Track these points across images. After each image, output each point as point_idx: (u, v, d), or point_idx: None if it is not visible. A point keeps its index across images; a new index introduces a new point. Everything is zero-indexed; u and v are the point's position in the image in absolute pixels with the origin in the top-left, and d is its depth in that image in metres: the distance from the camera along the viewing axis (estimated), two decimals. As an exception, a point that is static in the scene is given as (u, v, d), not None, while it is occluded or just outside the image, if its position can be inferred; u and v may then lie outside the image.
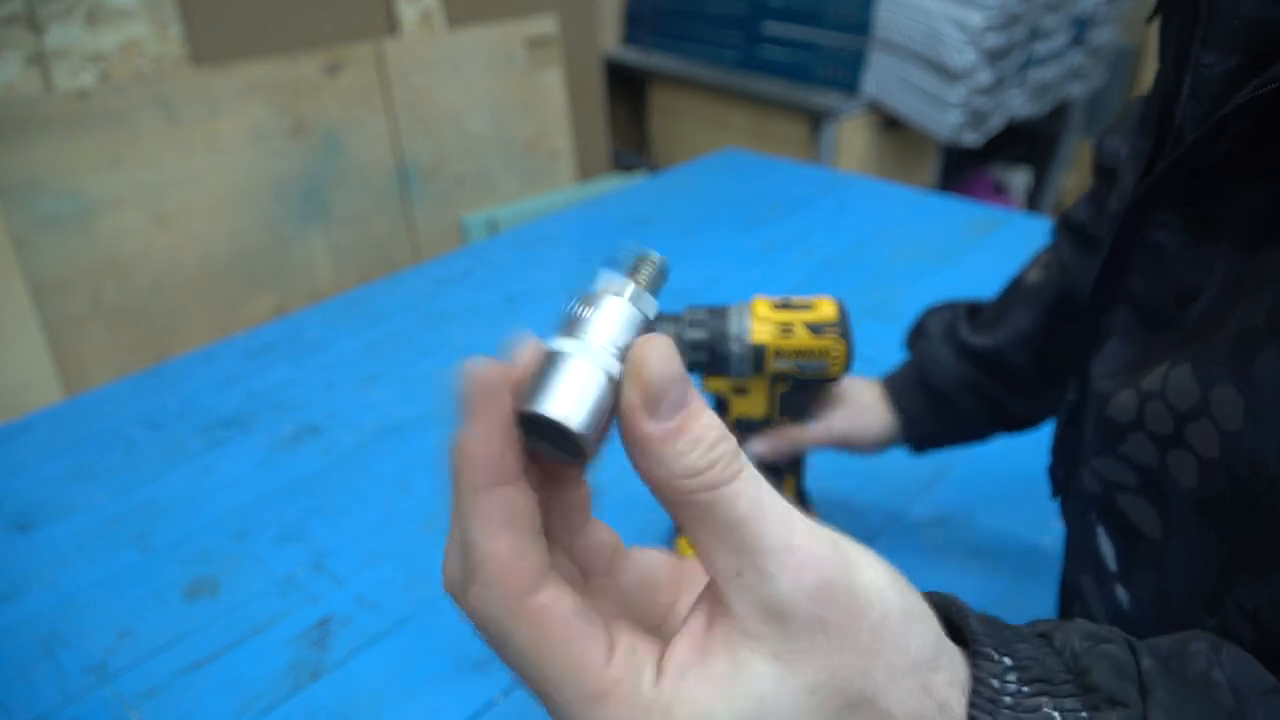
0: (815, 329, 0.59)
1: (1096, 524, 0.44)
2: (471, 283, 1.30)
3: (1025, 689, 0.23)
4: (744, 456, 0.23)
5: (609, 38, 2.87)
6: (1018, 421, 0.72)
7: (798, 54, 2.48)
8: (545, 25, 2.41)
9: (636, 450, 0.23)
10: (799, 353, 0.59)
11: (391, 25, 2.19)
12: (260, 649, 0.70)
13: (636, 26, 2.88)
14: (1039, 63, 2.39)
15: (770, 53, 2.54)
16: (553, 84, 2.47)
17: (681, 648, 0.23)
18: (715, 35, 2.67)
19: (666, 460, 0.22)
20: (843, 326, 0.60)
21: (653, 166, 2.82)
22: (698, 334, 0.59)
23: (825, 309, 0.61)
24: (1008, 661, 0.23)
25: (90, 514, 0.86)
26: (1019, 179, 2.84)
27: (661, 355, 0.22)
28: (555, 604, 0.22)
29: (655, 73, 2.77)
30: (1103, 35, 2.54)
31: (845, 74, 2.39)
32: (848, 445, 0.70)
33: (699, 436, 0.22)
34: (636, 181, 1.80)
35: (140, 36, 1.84)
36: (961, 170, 2.78)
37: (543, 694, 0.22)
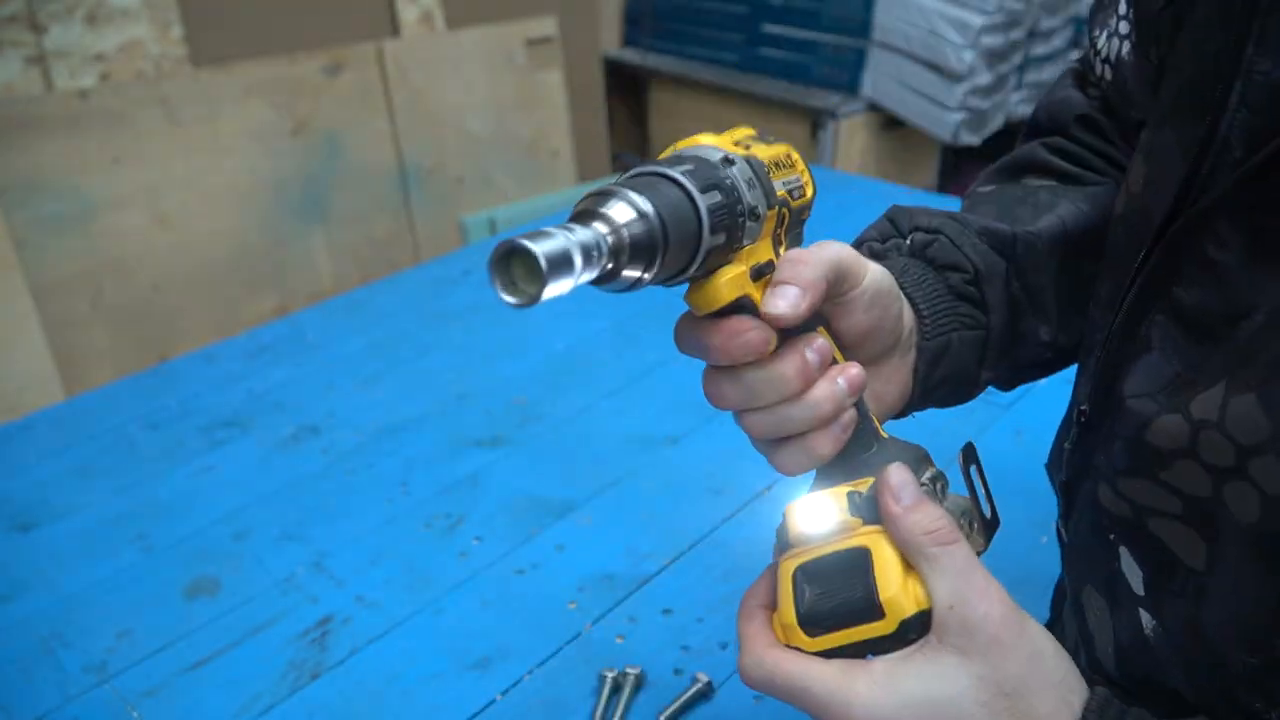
0: (761, 139, 0.45)
1: (1120, 545, 0.42)
2: (471, 283, 1.30)
3: None
4: (961, 535, 0.38)
5: (609, 38, 2.87)
6: (1034, 348, 0.55)
7: (798, 54, 2.48)
8: (545, 26, 2.41)
9: (889, 522, 0.39)
10: (776, 164, 0.44)
11: (392, 26, 2.19)
12: (260, 649, 0.71)
13: (636, 27, 2.88)
14: (1038, 63, 2.39)
15: (770, 53, 2.55)
16: (553, 84, 2.47)
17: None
18: (715, 36, 2.67)
19: (909, 525, 0.38)
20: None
21: (653, 167, 2.82)
22: (712, 199, 0.37)
23: (732, 134, 0.45)
24: None
25: (90, 514, 0.86)
26: (1019, 179, 2.84)
27: (898, 473, 0.39)
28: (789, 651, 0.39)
29: (655, 73, 2.78)
30: (1102, 36, 2.54)
31: (845, 74, 2.39)
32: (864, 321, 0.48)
33: (928, 511, 0.38)
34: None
35: (141, 37, 1.84)
36: (961, 170, 2.78)
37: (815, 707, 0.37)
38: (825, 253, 0.40)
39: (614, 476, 0.88)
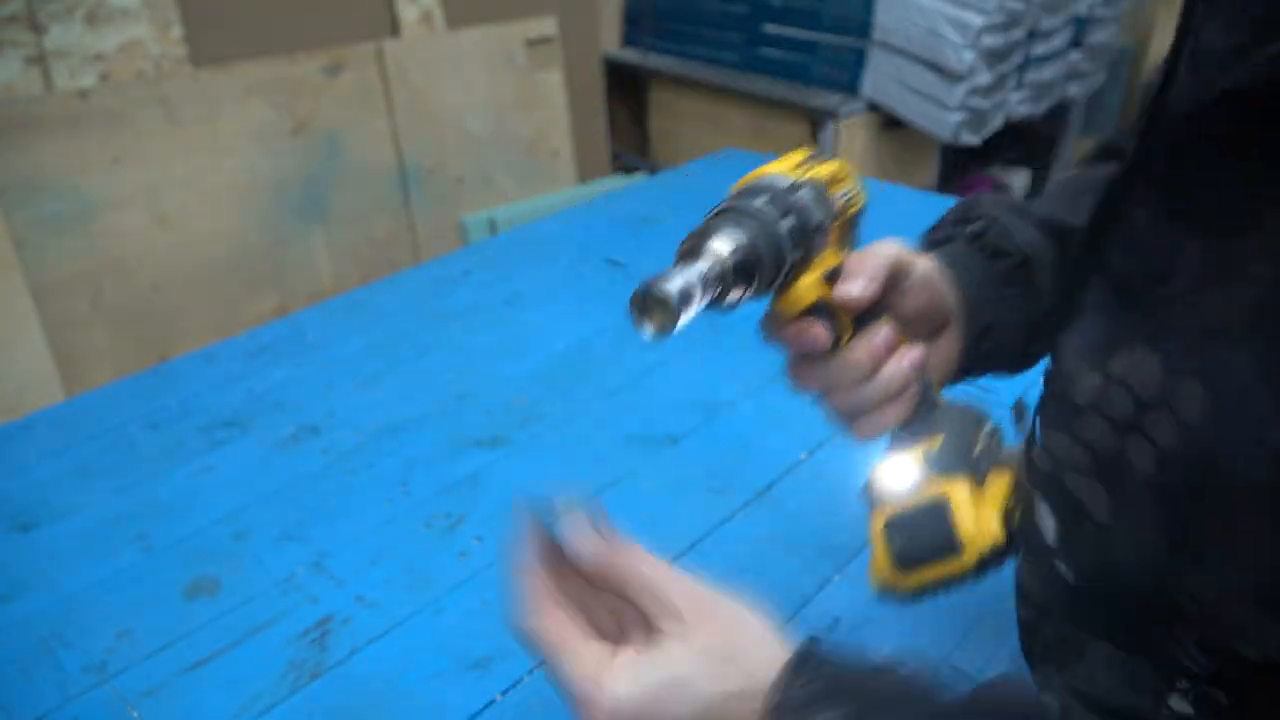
0: (816, 159, 0.49)
1: (1040, 500, 0.44)
2: (471, 283, 1.30)
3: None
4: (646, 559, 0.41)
5: (609, 38, 2.87)
6: None
7: (798, 54, 2.49)
8: (545, 26, 2.41)
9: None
10: (834, 180, 0.48)
11: (392, 26, 2.19)
12: (260, 649, 0.71)
13: (636, 27, 2.88)
14: (1038, 63, 2.39)
15: (770, 53, 2.55)
16: (553, 84, 2.47)
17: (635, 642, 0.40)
18: (715, 36, 2.67)
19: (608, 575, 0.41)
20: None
21: (653, 167, 2.82)
22: (789, 221, 0.44)
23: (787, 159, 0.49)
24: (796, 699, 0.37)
25: (90, 514, 0.86)
26: (1018, 179, 2.84)
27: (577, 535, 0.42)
28: (565, 620, 0.40)
29: (655, 73, 2.78)
30: (1102, 35, 2.54)
31: (845, 74, 2.39)
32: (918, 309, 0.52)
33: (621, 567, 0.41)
34: (636, 182, 1.80)
35: (141, 37, 1.84)
36: (961, 170, 2.78)
37: (560, 665, 0.39)
38: (883, 249, 0.48)
39: (614, 476, 0.88)
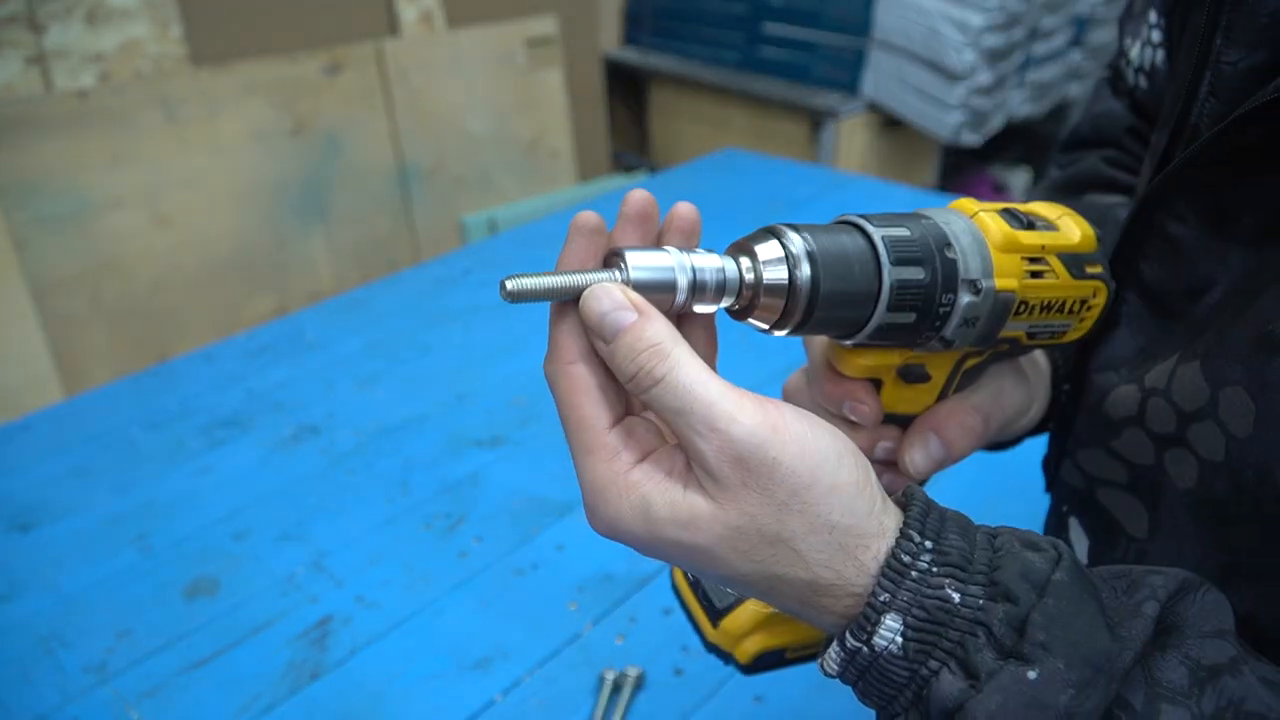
0: (1073, 264, 0.36)
1: (1070, 516, 0.43)
2: (471, 283, 1.30)
3: (935, 569, 0.29)
4: (672, 356, 0.30)
5: (609, 38, 2.87)
6: None
7: (798, 54, 2.48)
8: (545, 25, 2.41)
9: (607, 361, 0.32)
10: (1048, 307, 0.35)
11: (392, 25, 2.19)
12: (260, 649, 0.70)
13: (636, 27, 2.88)
14: (1038, 63, 2.39)
15: (770, 53, 2.54)
16: (553, 84, 2.47)
17: (665, 455, 0.32)
18: (715, 35, 2.67)
19: (615, 368, 0.31)
20: (1104, 258, 0.38)
21: (653, 167, 2.82)
22: (913, 274, 0.32)
23: (1072, 227, 0.37)
24: (928, 544, 0.29)
25: (90, 514, 0.86)
26: (1019, 179, 2.84)
27: (594, 296, 0.31)
28: (584, 375, 0.33)
29: (655, 73, 2.77)
30: (1102, 35, 2.54)
31: (845, 74, 2.39)
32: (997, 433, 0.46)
33: (626, 349, 0.30)
34: (636, 182, 1.80)
35: (140, 36, 1.84)
36: (961, 170, 2.78)
37: (566, 437, 0.33)
38: (982, 417, 0.40)
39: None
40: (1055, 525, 0.45)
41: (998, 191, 2.79)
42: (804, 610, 0.31)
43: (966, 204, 0.35)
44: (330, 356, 1.12)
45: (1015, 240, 0.34)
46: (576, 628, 0.71)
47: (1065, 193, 0.60)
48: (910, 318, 0.32)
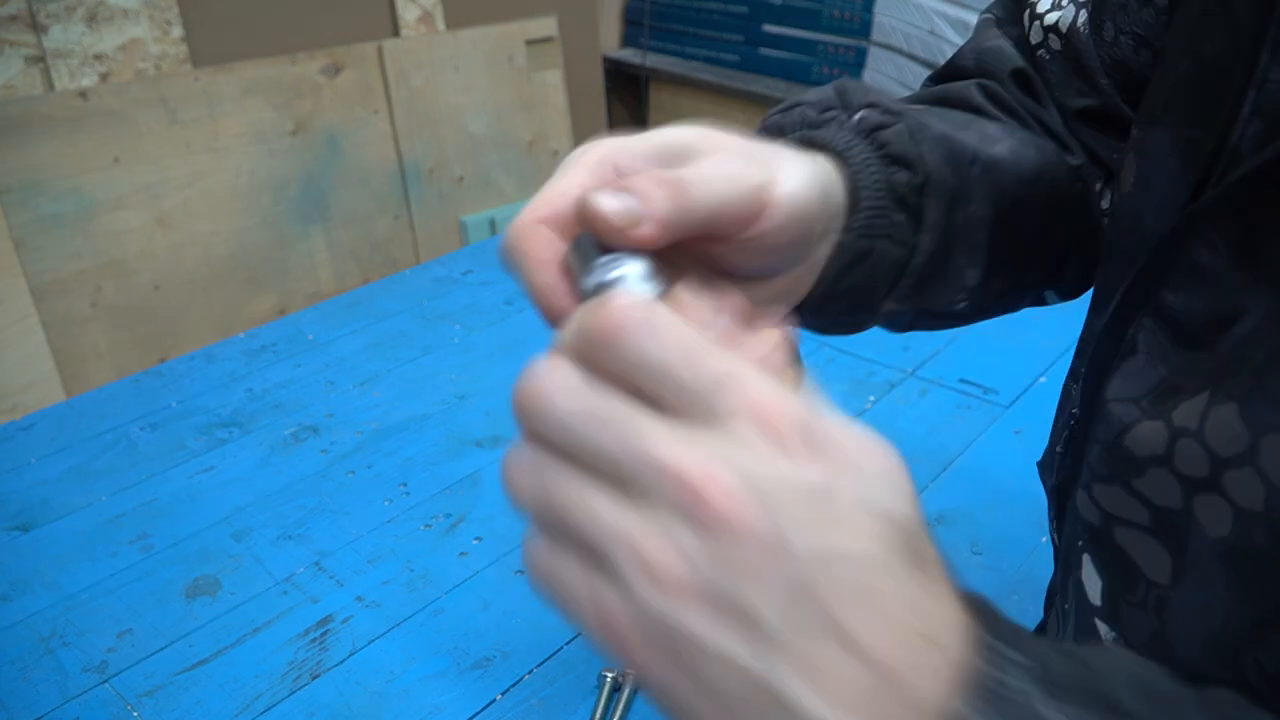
0: None
1: (1084, 552, 0.41)
2: (471, 283, 1.30)
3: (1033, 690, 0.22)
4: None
5: (609, 38, 2.87)
6: (953, 292, 0.47)
7: (798, 54, 2.49)
8: (545, 26, 2.41)
9: None
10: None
11: (392, 26, 2.19)
12: (260, 649, 0.71)
13: (636, 27, 2.88)
14: (1039, 63, 2.39)
15: (770, 53, 2.55)
16: (553, 84, 2.47)
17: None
18: (715, 36, 2.67)
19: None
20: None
21: (653, 167, 2.82)
22: None
23: None
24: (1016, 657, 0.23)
25: (90, 514, 0.86)
26: (1019, 179, 2.84)
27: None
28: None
29: (655, 73, 2.78)
30: (1102, 36, 2.54)
31: (845, 74, 2.39)
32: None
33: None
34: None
35: (141, 37, 1.84)
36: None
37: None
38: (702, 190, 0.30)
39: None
40: (1066, 561, 0.42)
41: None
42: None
43: None
44: (330, 356, 1.12)
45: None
46: (576, 627, 0.71)
47: (926, 104, 0.51)
48: None
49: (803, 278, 0.39)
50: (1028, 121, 0.52)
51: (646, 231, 0.29)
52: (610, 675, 0.65)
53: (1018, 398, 0.93)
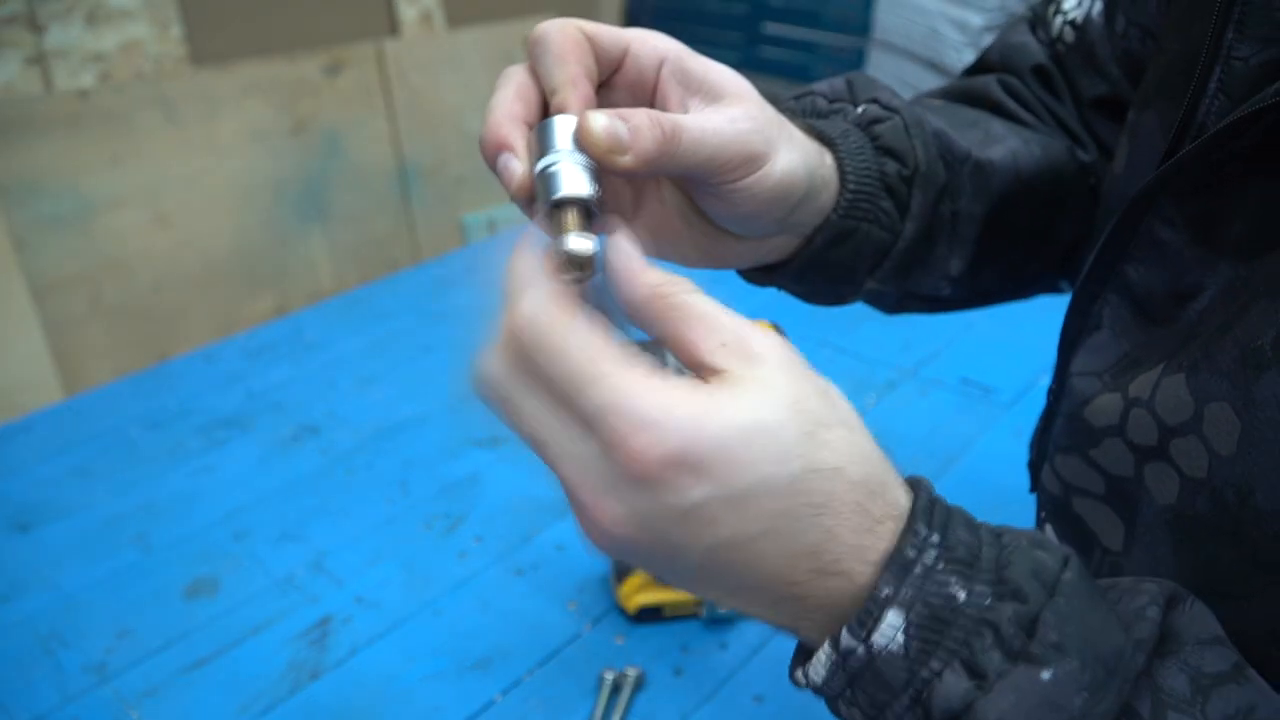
0: None
1: (1046, 523, 0.42)
2: (471, 283, 1.30)
3: (941, 565, 0.27)
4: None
5: (609, 38, 2.87)
6: (935, 279, 0.50)
7: (798, 54, 2.48)
8: (545, 25, 2.41)
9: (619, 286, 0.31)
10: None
11: (392, 26, 2.19)
12: (260, 649, 0.70)
13: (636, 27, 2.88)
14: (1039, 63, 2.39)
15: (770, 53, 2.54)
16: (553, 84, 2.47)
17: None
18: (715, 35, 2.67)
19: (647, 283, 0.30)
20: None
21: (653, 167, 2.82)
22: None
23: None
24: (934, 539, 0.28)
25: (90, 514, 0.86)
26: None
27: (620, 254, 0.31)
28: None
29: (655, 73, 2.78)
30: (1102, 35, 2.54)
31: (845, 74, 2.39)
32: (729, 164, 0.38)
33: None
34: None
35: (140, 36, 1.84)
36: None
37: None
38: (715, 134, 0.36)
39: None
40: (1034, 530, 0.45)
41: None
42: (777, 607, 0.30)
43: None
44: (330, 356, 1.12)
45: None
46: (576, 628, 0.71)
47: (953, 99, 0.57)
48: None
49: (780, 244, 0.44)
50: (1043, 116, 0.55)
51: (625, 162, 0.34)
52: (610, 675, 0.65)
53: (1018, 397, 0.93)
